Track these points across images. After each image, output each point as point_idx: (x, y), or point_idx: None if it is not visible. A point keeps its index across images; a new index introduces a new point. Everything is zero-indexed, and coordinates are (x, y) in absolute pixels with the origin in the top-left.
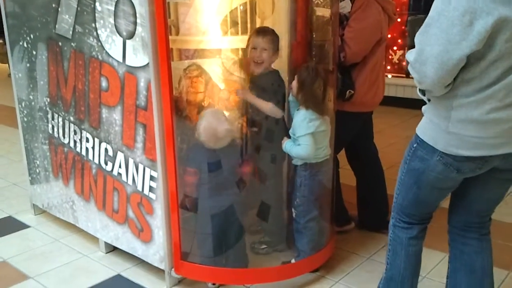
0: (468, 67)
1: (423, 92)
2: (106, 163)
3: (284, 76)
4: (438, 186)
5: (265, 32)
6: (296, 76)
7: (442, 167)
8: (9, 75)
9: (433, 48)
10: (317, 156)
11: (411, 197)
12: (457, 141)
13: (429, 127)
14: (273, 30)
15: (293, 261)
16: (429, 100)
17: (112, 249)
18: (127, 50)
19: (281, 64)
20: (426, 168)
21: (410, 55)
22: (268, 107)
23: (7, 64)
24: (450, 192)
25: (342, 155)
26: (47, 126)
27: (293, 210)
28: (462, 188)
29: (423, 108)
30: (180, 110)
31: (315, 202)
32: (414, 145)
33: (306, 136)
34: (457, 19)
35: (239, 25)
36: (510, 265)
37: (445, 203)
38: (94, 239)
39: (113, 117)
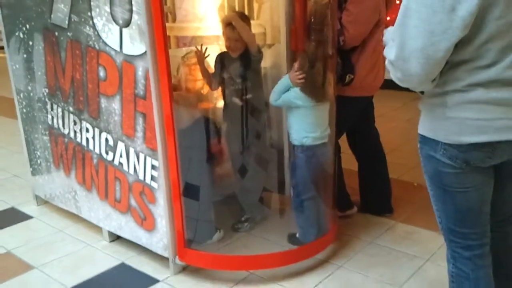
0: (453, 52)
1: None
2: (107, 153)
3: (283, 61)
4: (468, 184)
5: (233, 25)
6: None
7: (448, 161)
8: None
9: (416, 42)
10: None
11: (453, 211)
12: (457, 126)
13: (426, 119)
14: (241, 17)
15: (297, 235)
16: (422, 93)
17: (115, 238)
18: (124, 38)
19: (280, 49)
20: (437, 166)
21: (390, 51)
22: (206, 75)
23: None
24: (489, 187)
25: (343, 140)
26: (47, 116)
27: (291, 189)
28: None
29: (419, 105)
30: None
31: (311, 183)
32: (419, 146)
33: (290, 92)
34: (438, 5)
35: (237, 11)
36: None
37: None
38: (97, 228)
39: (112, 106)
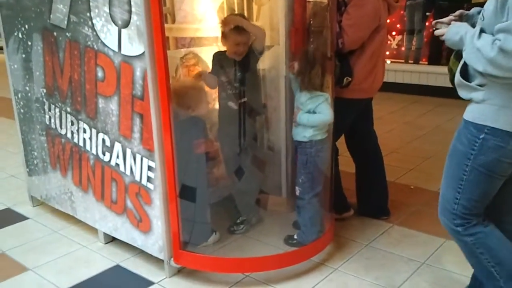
0: None
1: (464, 77)
2: (103, 154)
3: (282, 63)
4: (507, 173)
5: (242, 29)
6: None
7: None
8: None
9: None
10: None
11: (480, 194)
12: None
13: (502, 113)
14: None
15: (295, 236)
16: (481, 86)
17: (111, 239)
18: (122, 39)
19: (279, 50)
20: (500, 156)
21: (507, 43)
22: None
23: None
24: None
25: (341, 142)
26: (44, 117)
27: (296, 188)
28: None
29: (478, 95)
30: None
31: (319, 178)
32: (482, 136)
33: (322, 104)
34: None
35: (236, 12)
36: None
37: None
38: (93, 230)
39: (110, 107)
